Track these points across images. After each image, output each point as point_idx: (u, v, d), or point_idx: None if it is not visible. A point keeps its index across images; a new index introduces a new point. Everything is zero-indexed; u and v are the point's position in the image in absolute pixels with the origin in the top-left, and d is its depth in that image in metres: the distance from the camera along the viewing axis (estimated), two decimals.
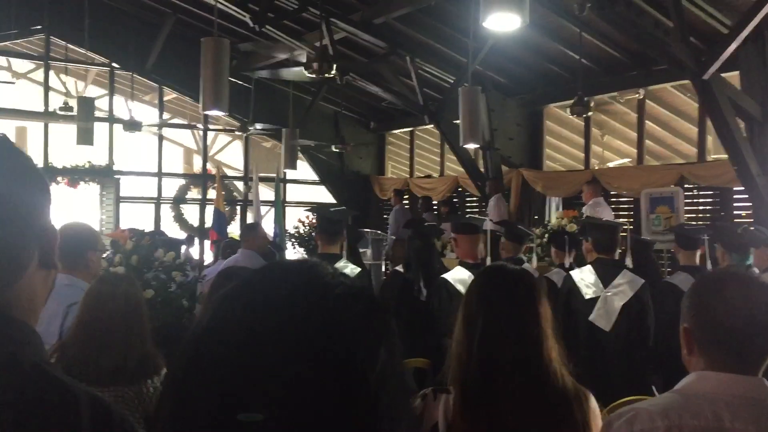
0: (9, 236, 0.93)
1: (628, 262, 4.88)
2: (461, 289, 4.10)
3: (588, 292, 4.15)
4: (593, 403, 2.00)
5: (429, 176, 14.05)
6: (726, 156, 7.66)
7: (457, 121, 7.73)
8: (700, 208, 9.52)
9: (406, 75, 10.64)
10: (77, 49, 11.56)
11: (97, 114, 11.13)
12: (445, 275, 4.28)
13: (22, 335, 0.95)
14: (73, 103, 9.99)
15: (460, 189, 12.77)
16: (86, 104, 9.57)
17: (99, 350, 2.59)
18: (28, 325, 0.97)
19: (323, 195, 14.89)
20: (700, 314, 1.60)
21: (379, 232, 11.40)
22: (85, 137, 9.50)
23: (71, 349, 2.62)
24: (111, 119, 12.93)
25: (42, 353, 0.99)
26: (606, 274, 4.29)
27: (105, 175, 12.89)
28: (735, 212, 9.01)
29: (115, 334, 2.62)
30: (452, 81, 10.40)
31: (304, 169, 14.48)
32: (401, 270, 5.17)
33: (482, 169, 11.22)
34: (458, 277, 4.20)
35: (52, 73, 12.95)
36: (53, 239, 0.99)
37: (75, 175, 12.65)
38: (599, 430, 1.89)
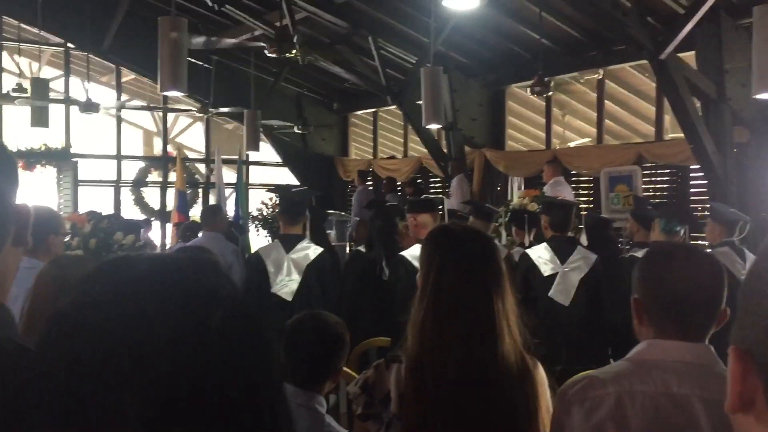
0: None
1: (583, 239, 5.00)
2: (418, 265, 4.11)
3: (546, 270, 4.25)
4: (540, 371, 1.95)
5: (392, 157, 14.05)
6: (683, 135, 7.80)
7: (420, 102, 7.74)
8: (658, 186, 9.71)
9: (369, 55, 10.59)
10: (30, 28, 11.24)
11: (53, 95, 10.88)
12: (403, 252, 4.31)
13: (1, 314, 0.92)
14: (27, 84, 9.71)
15: (423, 170, 12.81)
16: (41, 85, 9.36)
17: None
18: (2, 303, 0.95)
19: (287, 177, 14.79)
20: (649, 285, 1.65)
21: (342, 213, 11.40)
22: (40, 119, 9.30)
23: (24, 336, 2.59)
24: (67, 101, 12.61)
25: (16, 331, 0.96)
26: (562, 251, 4.42)
27: (62, 158, 12.58)
28: (692, 190, 9.20)
29: None
30: (414, 61, 10.38)
31: (266, 151, 14.35)
32: (363, 250, 5.18)
33: (445, 150, 11.26)
34: (416, 254, 4.18)
35: (4, 53, 12.57)
36: (27, 216, 0.99)
37: (31, 158, 12.33)
38: (546, 397, 1.92)
